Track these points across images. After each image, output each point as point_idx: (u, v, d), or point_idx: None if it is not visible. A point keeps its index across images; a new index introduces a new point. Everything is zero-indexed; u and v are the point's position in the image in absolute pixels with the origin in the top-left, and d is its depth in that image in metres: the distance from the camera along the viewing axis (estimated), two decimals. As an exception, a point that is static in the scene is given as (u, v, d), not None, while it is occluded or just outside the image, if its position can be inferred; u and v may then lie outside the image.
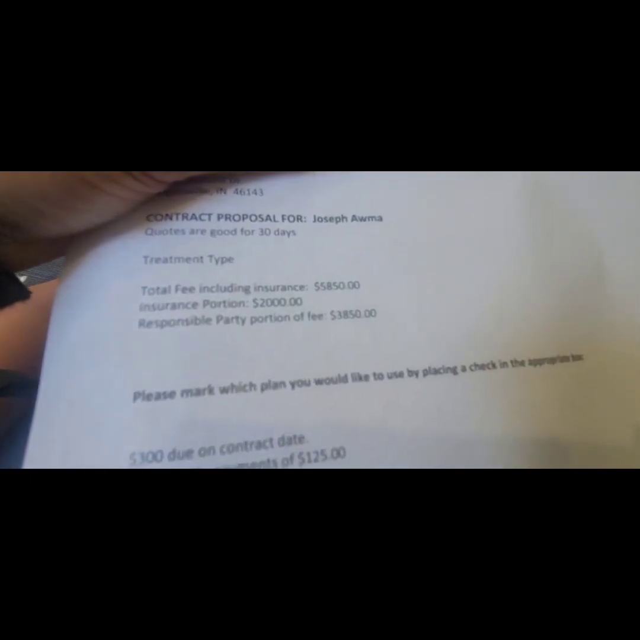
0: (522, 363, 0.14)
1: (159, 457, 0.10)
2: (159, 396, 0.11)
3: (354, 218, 0.14)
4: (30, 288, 0.14)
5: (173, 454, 0.10)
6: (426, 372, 0.13)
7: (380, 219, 0.14)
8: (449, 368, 0.13)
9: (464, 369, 0.13)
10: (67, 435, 0.11)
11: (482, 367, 0.13)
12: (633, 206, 0.16)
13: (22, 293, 0.12)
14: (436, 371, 0.13)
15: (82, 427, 0.11)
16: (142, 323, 0.11)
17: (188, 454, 0.10)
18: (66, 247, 0.13)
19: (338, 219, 0.14)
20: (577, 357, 0.14)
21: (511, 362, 0.14)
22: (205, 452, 0.10)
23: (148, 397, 0.11)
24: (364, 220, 0.14)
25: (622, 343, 0.15)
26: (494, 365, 0.14)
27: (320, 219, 0.14)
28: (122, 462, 0.10)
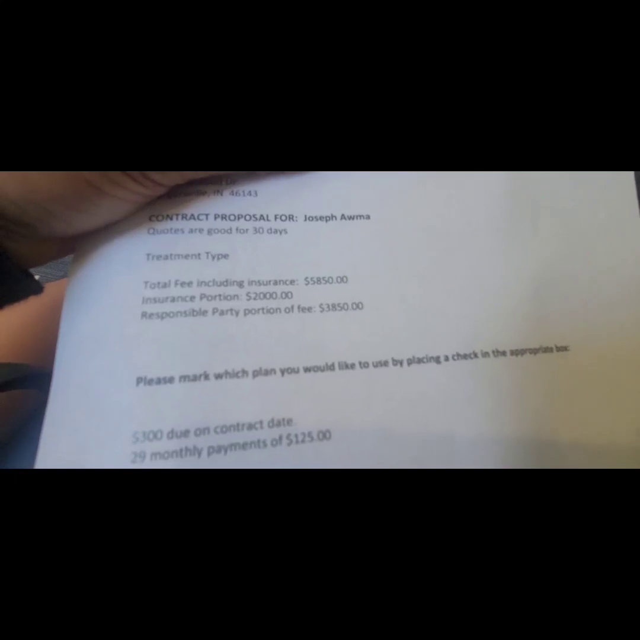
0: (503, 353, 0.14)
1: (159, 435, 0.11)
2: (159, 381, 0.12)
3: (342, 217, 0.15)
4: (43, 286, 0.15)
5: (171, 433, 0.11)
6: (410, 361, 0.14)
7: (368, 217, 0.15)
8: (432, 357, 0.14)
9: (446, 359, 0.14)
10: (77, 416, 0.12)
11: (465, 356, 0.14)
12: (614, 205, 0.17)
13: (35, 287, 0.14)
14: (420, 360, 0.14)
15: (90, 409, 0.12)
16: (144, 315, 0.12)
17: (185, 433, 0.11)
18: (74, 246, 0.14)
19: (328, 218, 0.15)
20: (562, 348, 0.15)
21: (493, 352, 0.14)
22: (200, 432, 0.11)
23: (149, 381, 0.12)
24: (353, 218, 0.15)
25: (610, 336, 0.15)
26: (476, 355, 0.14)
27: (310, 218, 0.15)
28: (125, 440, 0.11)
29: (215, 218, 0.14)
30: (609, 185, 0.16)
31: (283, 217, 0.15)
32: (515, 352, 0.15)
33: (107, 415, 0.12)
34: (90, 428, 0.11)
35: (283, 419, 0.12)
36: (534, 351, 0.15)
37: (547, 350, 0.15)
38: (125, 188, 0.12)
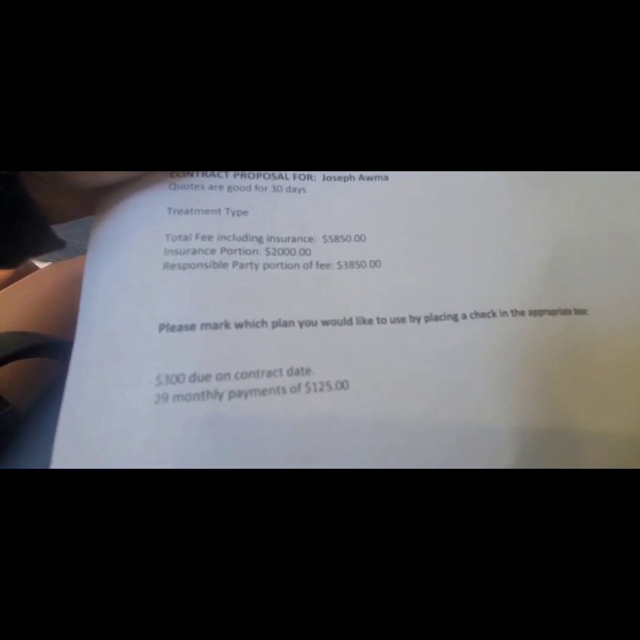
0: (522, 313, 0.14)
1: (181, 379, 0.11)
2: (181, 328, 0.12)
3: (361, 177, 0.15)
4: (59, 264, 0.15)
5: (193, 377, 0.12)
6: (428, 319, 0.14)
7: (386, 178, 0.15)
8: (449, 315, 0.14)
9: (464, 317, 0.14)
10: (101, 360, 0.12)
11: (483, 315, 0.14)
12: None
13: (58, 242, 0.14)
14: (437, 318, 0.14)
15: (114, 353, 0.12)
16: (166, 265, 0.13)
17: (206, 377, 0.12)
18: (95, 206, 0.14)
19: (346, 178, 0.15)
20: (581, 311, 0.15)
21: (511, 311, 0.14)
22: (221, 377, 0.12)
23: (171, 328, 0.12)
24: (371, 179, 0.15)
25: (629, 303, 0.15)
26: (494, 314, 0.14)
27: (329, 178, 0.15)
28: (149, 382, 0.11)
29: (235, 175, 0.14)
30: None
31: (302, 177, 0.15)
32: (534, 313, 0.14)
33: (130, 359, 0.12)
34: (114, 371, 0.12)
35: (302, 368, 0.12)
36: (553, 312, 0.15)
37: (565, 312, 0.15)
38: None
